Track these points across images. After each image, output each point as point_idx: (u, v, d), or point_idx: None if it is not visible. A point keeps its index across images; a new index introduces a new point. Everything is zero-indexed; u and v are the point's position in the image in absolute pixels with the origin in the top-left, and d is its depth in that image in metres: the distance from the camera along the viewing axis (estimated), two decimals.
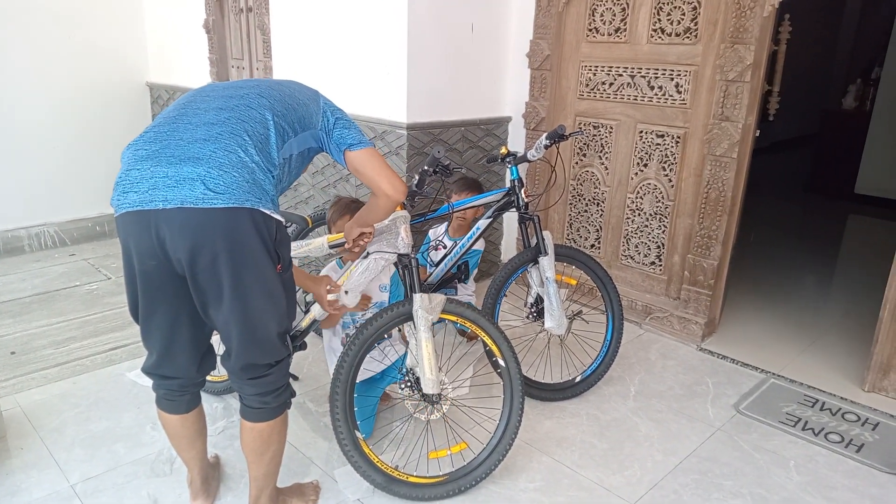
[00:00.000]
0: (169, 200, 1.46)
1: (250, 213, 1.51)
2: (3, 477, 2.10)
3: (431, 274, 2.80)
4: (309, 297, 2.63)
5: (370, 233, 2.07)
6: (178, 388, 1.79)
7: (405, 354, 2.36)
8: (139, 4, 5.05)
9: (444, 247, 2.94)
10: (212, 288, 1.54)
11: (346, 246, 2.15)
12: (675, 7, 3.00)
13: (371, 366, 2.37)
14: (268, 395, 1.71)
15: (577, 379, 2.66)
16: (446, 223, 3.03)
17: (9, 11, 4.31)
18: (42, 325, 3.32)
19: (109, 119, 4.93)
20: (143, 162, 1.51)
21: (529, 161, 2.58)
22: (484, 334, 2.13)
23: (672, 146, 3.14)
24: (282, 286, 1.65)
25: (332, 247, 2.37)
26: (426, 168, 2.20)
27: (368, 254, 2.21)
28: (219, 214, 1.47)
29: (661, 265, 3.31)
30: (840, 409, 2.60)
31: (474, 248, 2.83)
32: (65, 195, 4.73)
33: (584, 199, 3.56)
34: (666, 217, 3.23)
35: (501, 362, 2.12)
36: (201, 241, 1.48)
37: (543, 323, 2.50)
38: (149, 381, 1.82)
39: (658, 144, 3.19)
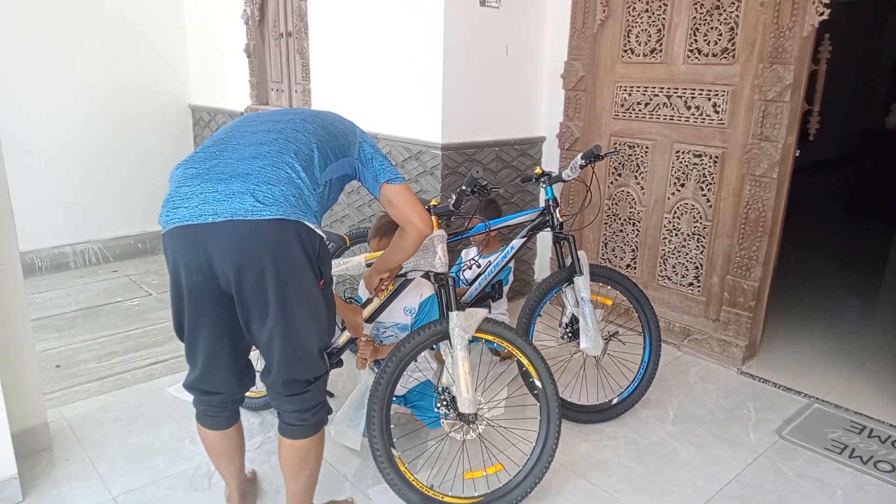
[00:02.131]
0: (219, 214, 1.50)
1: (296, 227, 1.55)
2: (50, 487, 2.15)
3: (466, 292, 2.80)
4: None
5: (387, 278, 2.13)
6: (219, 405, 1.82)
7: (424, 382, 2.37)
8: (182, 31, 5.23)
9: (479, 266, 2.95)
10: (257, 304, 1.57)
11: (370, 296, 2.19)
12: (712, 28, 2.99)
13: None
14: (306, 412, 1.73)
15: (614, 401, 2.62)
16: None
17: (59, 41, 4.50)
18: (85, 340, 3.41)
19: (153, 140, 5.09)
20: (193, 179, 1.57)
21: (564, 181, 2.58)
22: (521, 354, 2.12)
23: (710, 166, 3.11)
24: (324, 302, 1.67)
25: (369, 265, 2.40)
26: (464, 188, 2.22)
27: (406, 273, 2.23)
28: (266, 226, 1.51)
29: (699, 286, 3.26)
30: (889, 436, 2.51)
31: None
32: (108, 213, 4.89)
33: (620, 218, 3.53)
34: (704, 237, 3.19)
35: (538, 383, 2.11)
36: (248, 255, 1.51)
37: (579, 343, 2.48)
38: (188, 396, 1.85)
39: (695, 164, 3.16)
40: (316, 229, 1.61)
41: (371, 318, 2.29)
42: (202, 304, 1.63)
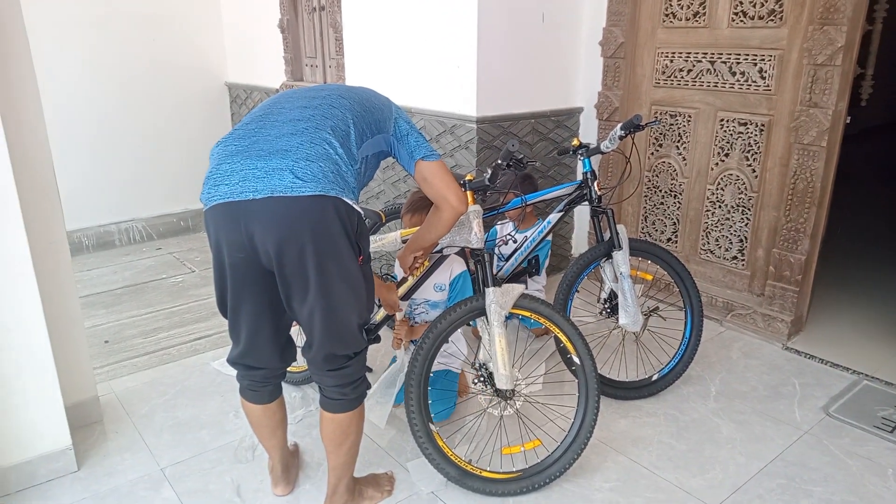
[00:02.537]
0: (259, 191, 1.52)
1: (334, 202, 1.56)
2: (102, 458, 2.24)
3: (502, 268, 2.78)
4: None
5: (421, 256, 2.11)
6: (262, 379, 1.86)
7: (441, 371, 2.36)
8: (218, 7, 5.25)
9: (515, 241, 2.92)
10: (298, 280, 1.59)
11: (404, 274, 2.18)
12: None
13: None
14: (347, 387, 1.75)
15: (654, 377, 2.58)
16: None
17: (98, 19, 4.57)
18: (132, 316, 3.51)
19: (192, 118, 5.16)
20: (233, 157, 1.58)
21: (603, 153, 2.52)
22: (558, 331, 2.09)
23: (756, 135, 3.00)
24: (363, 278, 1.69)
25: (405, 241, 2.40)
26: (499, 162, 2.18)
27: (442, 249, 2.22)
28: (306, 202, 1.52)
29: (743, 260, 3.17)
30: None
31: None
32: (151, 192, 4.99)
33: (661, 191, 3.45)
34: (749, 209, 3.09)
35: (576, 359, 2.09)
36: (289, 232, 1.53)
37: (618, 319, 2.44)
38: (231, 371, 1.89)
39: (740, 133, 3.05)
40: (354, 205, 1.61)
41: (406, 296, 2.29)
42: (244, 281, 1.66)
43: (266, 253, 1.57)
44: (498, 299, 1.98)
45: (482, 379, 2.08)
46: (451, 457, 2.01)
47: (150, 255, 4.61)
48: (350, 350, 1.73)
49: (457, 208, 1.83)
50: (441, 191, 1.82)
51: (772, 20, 2.85)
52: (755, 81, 2.95)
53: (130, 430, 2.40)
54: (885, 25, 3.28)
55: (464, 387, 2.56)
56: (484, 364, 2.08)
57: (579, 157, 2.54)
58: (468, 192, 2.15)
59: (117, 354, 3.06)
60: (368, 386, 1.86)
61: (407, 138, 1.82)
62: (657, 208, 3.49)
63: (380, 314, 2.32)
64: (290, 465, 2.08)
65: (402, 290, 2.26)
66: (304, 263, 1.56)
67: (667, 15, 3.22)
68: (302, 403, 2.53)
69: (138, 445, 2.31)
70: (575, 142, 2.56)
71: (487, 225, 3.03)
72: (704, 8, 3.06)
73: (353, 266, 1.63)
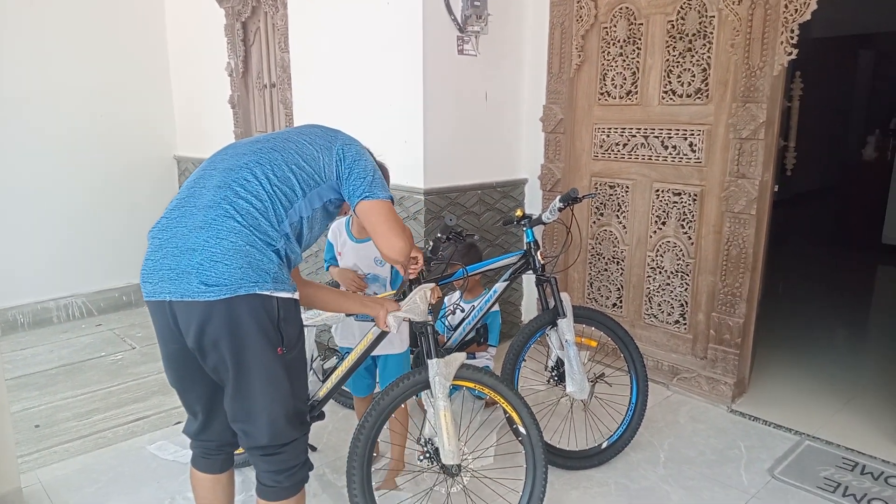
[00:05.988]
0: (172, 293, 1.54)
1: (246, 300, 1.53)
2: None
3: (450, 339, 2.78)
4: (327, 366, 2.63)
5: (418, 257, 2.02)
6: (216, 448, 1.82)
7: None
8: (168, 83, 5.30)
9: (463, 310, 2.93)
10: (220, 372, 1.60)
11: (406, 274, 2.06)
12: (685, 70, 3.05)
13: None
14: (281, 474, 1.69)
15: (604, 445, 2.58)
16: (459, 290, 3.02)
17: (44, 90, 4.54)
18: (67, 397, 3.35)
19: (137, 191, 5.10)
20: (155, 252, 1.60)
21: (544, 223, 2.59)
22: (503, 401, 2.08)
23: (689, 204, 3.13)
24: (284, 369, 1.64)
25: (348, 316, 2.37)
26: (439, 235, 2.22)
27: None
28: (214, 306, 1.52)
29: (685, 324, 3.25)
30: (883, 472, 2.47)
31: (492, 309, 2.81)
32: (93, 266, 4.86)
33: (604, 257, 3.54)
34: (687, 275, 3.19)
35: (522, 430, 2.07)
36: (202, 331, 1.54)
37: (565, 387, 2.45)
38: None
39: (675, 202, 3.19)
40: (273, 294, 1.57)
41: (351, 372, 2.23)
42: (185, 368, 1.68)
43: (191, 346, 1.58)
44: (442, 371, 1.96)
45: (427, 455, 2.03)
46: None
47: (89, 332, 4.44)
48: (275, 442, 1.67)
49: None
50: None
51: (699, 98, 3.04)
52: (686, 154, 3.11)
53: None
54: (804, 102, 3.54)
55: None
56: (429, 439, 2.04)
57: (523, 227, 2.60)
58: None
59: (48, 440, 2.89)
60: (310, 468, 1.79)
61: (348, 181, 1.74)
62: (601, 275, 3.57)
63: (323, 389, 2.26)
64: None
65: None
66: (221, 354, 1.56)
67: (602, 93, 3.40)
68: (242, 488, 2.42)
69: None
70: (518, 212, 2.63)
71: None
72: (636, 87, 3.25)
73: (270, 360, 1.60)
